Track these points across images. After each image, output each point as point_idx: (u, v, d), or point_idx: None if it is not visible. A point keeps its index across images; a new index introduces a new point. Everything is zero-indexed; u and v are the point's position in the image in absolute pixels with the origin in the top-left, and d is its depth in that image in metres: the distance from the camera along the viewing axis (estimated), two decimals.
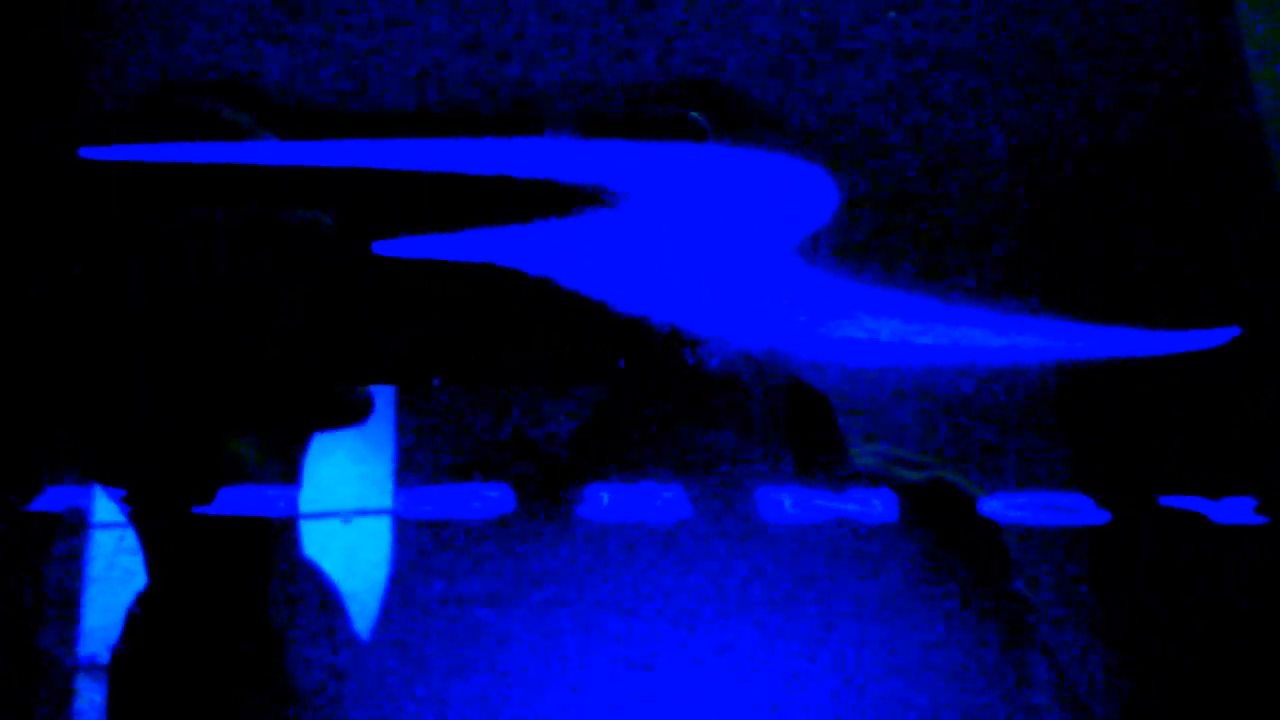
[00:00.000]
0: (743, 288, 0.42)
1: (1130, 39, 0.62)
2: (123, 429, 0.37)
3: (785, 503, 0.46)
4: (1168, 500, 0.45)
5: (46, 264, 0.38)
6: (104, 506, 0.42)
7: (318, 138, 0.40)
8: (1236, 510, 0.44)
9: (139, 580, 0.42)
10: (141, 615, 0.41)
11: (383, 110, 0.48)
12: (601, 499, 0.45)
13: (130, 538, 0.42)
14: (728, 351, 0.48)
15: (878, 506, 0.46)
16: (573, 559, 0.50)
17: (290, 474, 0.42)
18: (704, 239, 0.41)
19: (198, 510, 0.39)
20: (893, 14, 0.59)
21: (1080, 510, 0.45)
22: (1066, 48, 0.63)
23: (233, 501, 0.39)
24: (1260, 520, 0.44)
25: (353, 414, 0.40)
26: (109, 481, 0.38)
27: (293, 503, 0.41)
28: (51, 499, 0.45)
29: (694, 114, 0.46)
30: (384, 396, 0.51)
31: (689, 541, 0.49)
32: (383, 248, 0.39)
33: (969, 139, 0.63)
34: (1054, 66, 0.63)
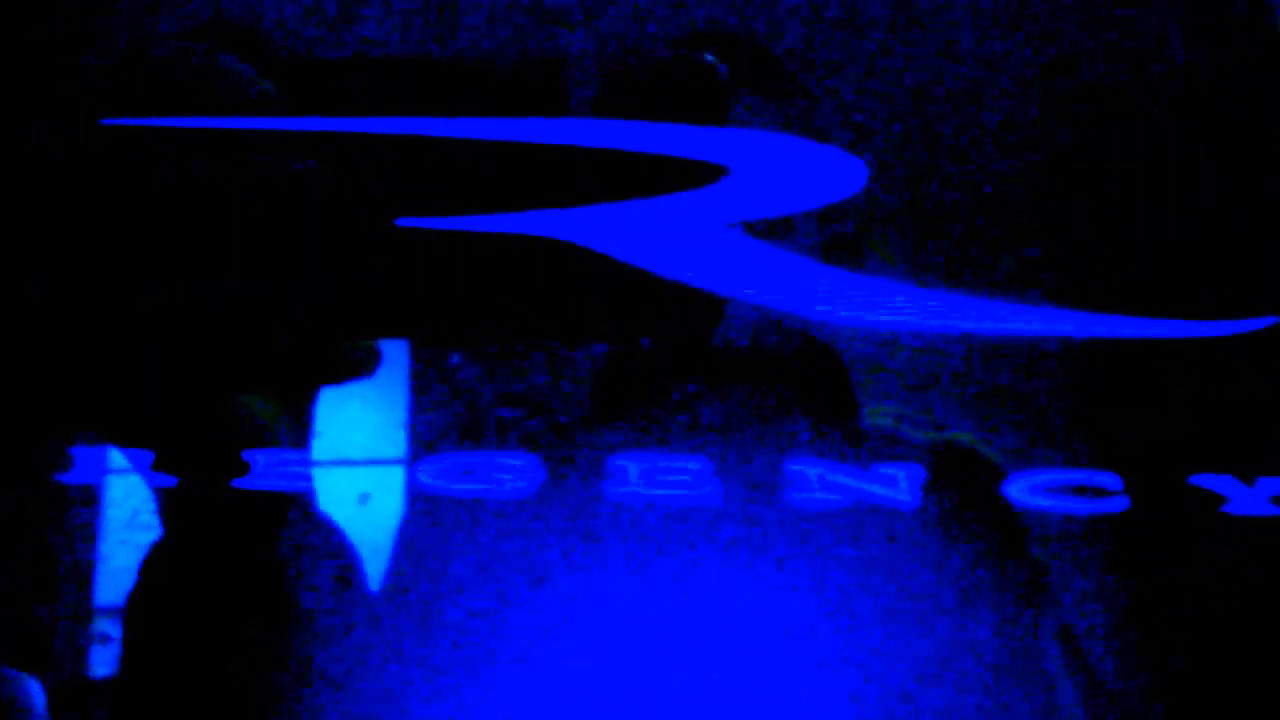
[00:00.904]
0: (766, 267, 0.41)
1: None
2: (135, 385, 0.37)
3: (811, 479, 0.46)
4: (1197, 479, 0.45)
5: (59, 229, 0.38)
6: (119, 457, 0.42)
7: (320, 87, 0.39)
8: (1261, 495, 0.44)
9: (154, 529, 0.42)
10: (156, 563, 0.41)
11: (383, 57, 0.47)
12: (627, 471, 0.45)
13: (145, 505, 0.42)
14: (753, 330, 0.48)
15: (903, 485, 0.46)
16: (593, 530, 0.50)
17: (301, 426, 0.42)
18: (729, 217, 0.40)
19: (214, 468, 0.39)
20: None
21: (1106, 488, 0.45)
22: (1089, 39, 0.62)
23: (252, 470, 0.39)
24: (1274, 511, 0.44)
25: (360, 367, 0.40)
26: (124, 437, 0.38)
27: (306, 467, 0.41)
28: (83, 470, 0.45)
29: (710, 57, 0.45)
30: (398, 347, 0.50)
31: (712, 517, 0.49)
32: (394, 206, 0.38)
33: (992, 121, 0.62)
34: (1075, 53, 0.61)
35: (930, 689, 0.49)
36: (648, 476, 0.46)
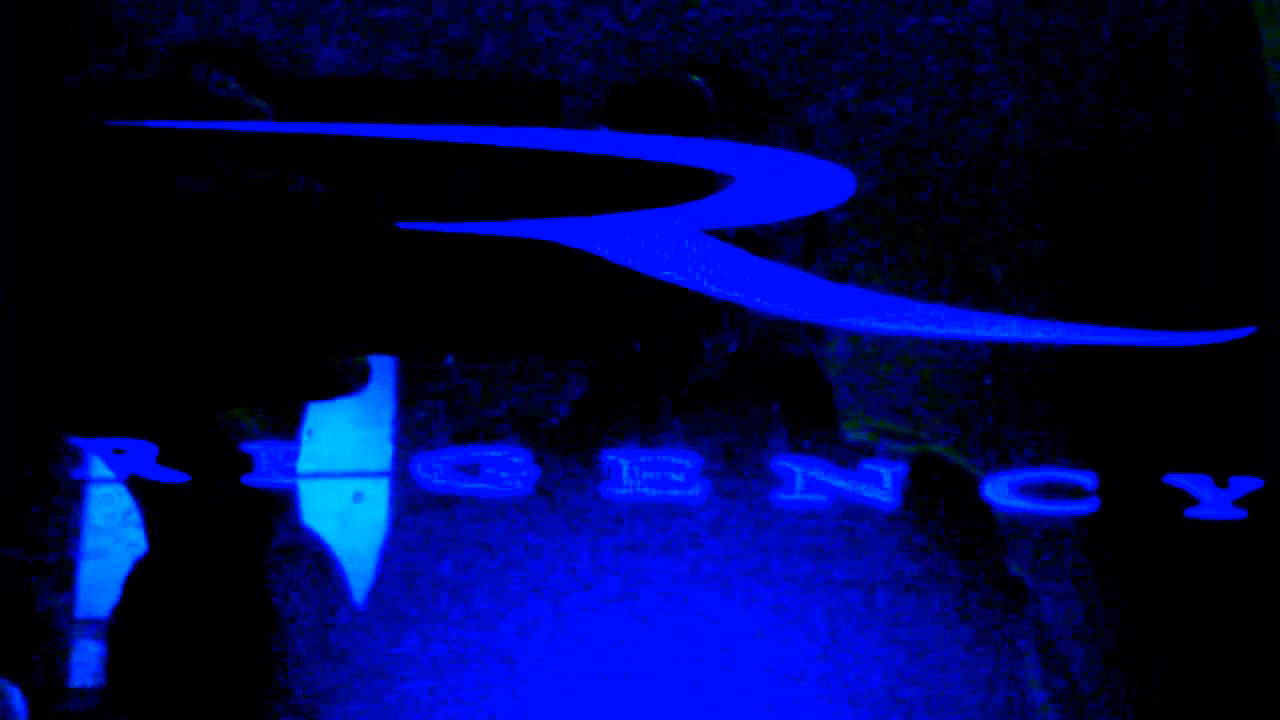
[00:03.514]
0: (756, 276, 0.42)
1: (1149, 34, 0.63)
2: (123, 398, 0.37)
3: (797, 481, 0.47)
4: (1172, 479, 0.46)
5: (52, 238, 0.38)
6: (103, 471, 0.42)
7: (316, 106, 0.40)
8: (1232, 494, 0.45)
9: (139, 544, 0.42)
10: (140, 579, 0.41)
11: (379, 79, 0.48)
12: (619, 469, 0.46)
13: (130, 503, 0.42)
14: (743, 337, 0.49)
15: (886, 484, 0.47)
16: (581, 531, 0.50)
17: (288, 439, 0.42)
18: (719, 228, 0.41)
19: (195, 477, 0.39)
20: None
21: (1082, 486, 0.46)
22: (1084, 44, 0.63)
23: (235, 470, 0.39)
24: (1241, 514, 0.45)
25: (349, 383, 0.40)
26: (110, 449, 0.39)
27: (291, 469, 0.41)
28: (71, 467, 0.45)
29: (696, 78, 0.46)
30: (385, 362, 0.51)
31: (697, 517, 0.50)
32: (385, 219, 0.39)
33: (980, 135, 0.63)
34: (1070, 63, 0.63)
35: (905, 688, 0.50)
36: (640, 475, 0.46)
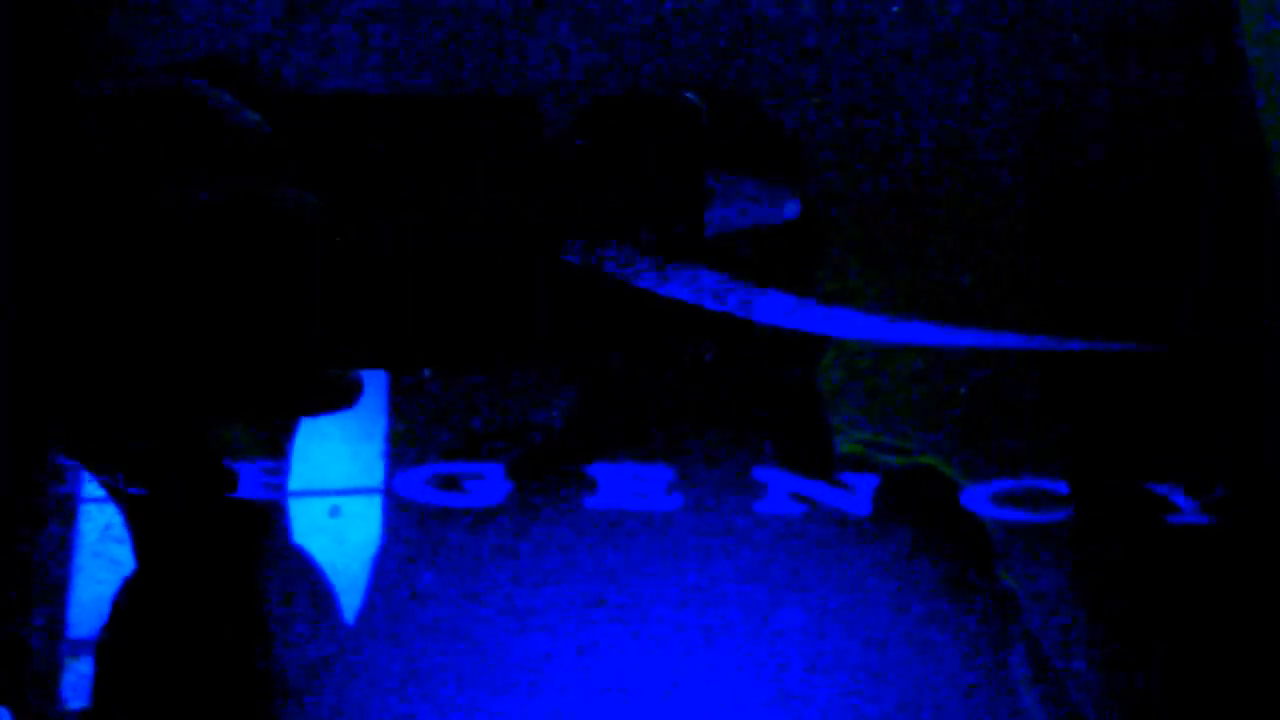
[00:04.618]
0: (735, 286, 0.42)
1: (1135, 39, 0.63)
2: (110, 414, 0.37)
3: (776, 490, 0.47)
4: (1149, 486, 0.47)
5: (40, 251, 0.38)
6: (93, 489, 0.42)
7: (306, 120, 0.40)
8: (1210, 500, 0.46)
9: (127, 564, 0.42)
10: (129, 599, 0.41)
11: (369, 94, 0.48)
12: (600, 480, 0.46)
13: (119, 521, 0.42)
14: (720, 347, 0.49)
15: (861, 494, 0.47)
16: (565, 543, 0.50)
17: (278, 458, 0.42)
18: (696, 235, 0.42)
19: (186, 494, 0.39)
20: (895, 7, 0.60)
21: (1057, 494, 0.46)
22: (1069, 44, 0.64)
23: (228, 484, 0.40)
24: (1208, 520, 0.45)
25: (341, 398, 0.40)
26: (96, 466, 0.39)
27: (282, 486, 0.41)
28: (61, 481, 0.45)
29: (689, 93, 0.46)
30: (376, 376, 0.51)
31: (681, 528, 0.50)
32: (372, 230, 0.39)
33: (963, 140, 0.64)
34: (1055, 66, 0.64)
35: (895, 696, 0.50)
36: (621, 486, 0.47)
